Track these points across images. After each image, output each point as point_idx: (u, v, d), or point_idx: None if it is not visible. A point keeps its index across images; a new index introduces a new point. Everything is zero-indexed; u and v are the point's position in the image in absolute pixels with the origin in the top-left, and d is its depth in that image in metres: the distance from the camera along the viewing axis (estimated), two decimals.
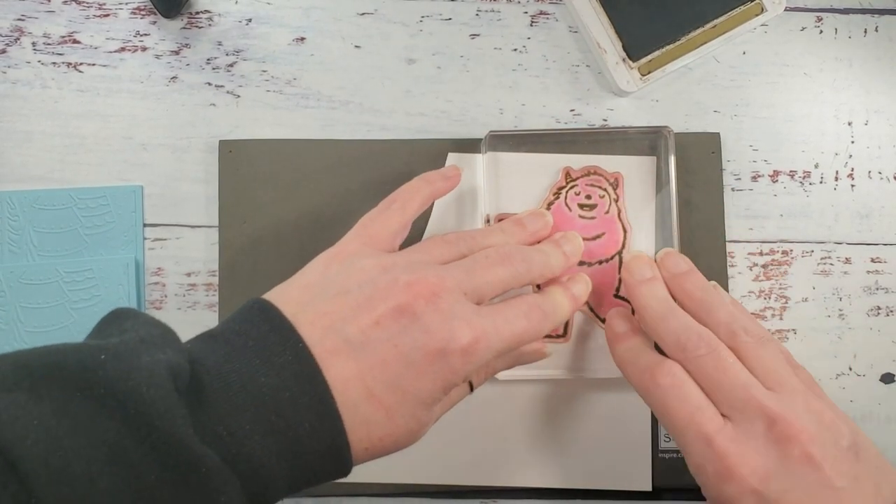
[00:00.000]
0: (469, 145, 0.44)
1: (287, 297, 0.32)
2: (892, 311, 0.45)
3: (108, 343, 0.27)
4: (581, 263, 0.43)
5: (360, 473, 0.42)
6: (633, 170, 0.44)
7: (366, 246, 0.34)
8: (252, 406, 0.28)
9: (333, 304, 0.31)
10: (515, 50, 0.46)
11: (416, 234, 0.42)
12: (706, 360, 0.33)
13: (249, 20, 0.45)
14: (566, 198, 0.43)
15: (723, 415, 0.32)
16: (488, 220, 0.42)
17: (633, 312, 0.41)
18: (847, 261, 0.45)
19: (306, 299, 0.31)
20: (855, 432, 0.32)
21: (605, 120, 0.45)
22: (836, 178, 0.45)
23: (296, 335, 0.29)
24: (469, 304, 0.32)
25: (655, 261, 0.38)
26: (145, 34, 0.45)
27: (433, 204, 0.43)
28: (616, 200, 0.43)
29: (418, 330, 0.30)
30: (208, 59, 0.45)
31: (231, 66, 0.45)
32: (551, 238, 0.39)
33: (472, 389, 0.36)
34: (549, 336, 0.42)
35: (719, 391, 0.33)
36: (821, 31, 0.46)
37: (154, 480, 0.25)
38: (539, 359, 0.40)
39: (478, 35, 0.46)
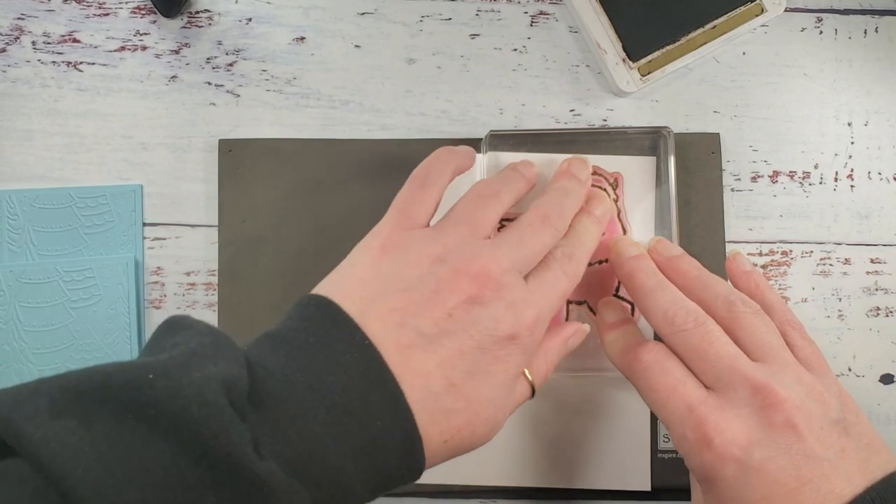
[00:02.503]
0: (469, 145, 0.44)
1: (344, 292, 0.31)
2: (891, 312, 0.45)
3: (156, 360, 0.25)
4: None
5: None
6: (633, 170, 0.44)
7: (407, 231, 0.33)
8: (322, 406, 0.27)
9: (400, 299, 0.30)
10: (515, 50, 0.46)
11: None
12: (693, 334, 0.33)
13: (249, 19, 0.45)
14: None
15: (707, 387, 0.32)
16: None
17: (632, 313, 0.41)
18: (846, 261, 0.45)
19: (368, 295, 0.31)
20: (846, 407, 0.32)
21: (605, 120, 0.45)
22: (836, 179, 0.45)
23: (360, 332, 0.29)
24: (523, 281, 0.33)
25: (648, 249, 0.38)
26: (145, 33, 0.45)
27: None
28: (616, 200, 0.43)
29: (488, 318, 0.30)
30: (208, 59, 0.45)
31: (231, 65, 0.45)
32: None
33: (532, 393, 0.35)
34: None
35: (704, 362, 0.32)
36: (821, 32, 0.46)
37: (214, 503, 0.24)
38: (582, 338, 0.39)
39: (478, 35, 0.46)
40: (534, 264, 0.34)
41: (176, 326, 0.28)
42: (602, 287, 0.43)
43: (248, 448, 0.25)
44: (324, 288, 0.32)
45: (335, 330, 0.29)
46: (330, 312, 0.30)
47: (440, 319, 0.30)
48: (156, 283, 0.44)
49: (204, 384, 0.25)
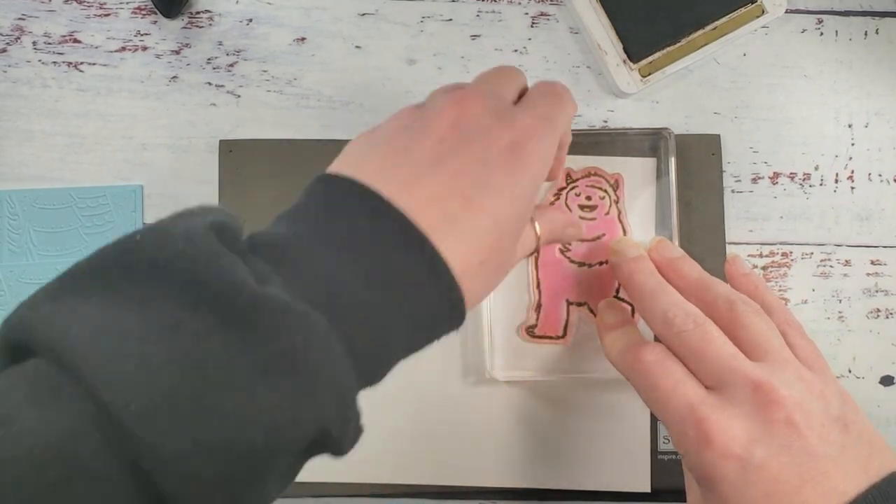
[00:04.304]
0: None
1: (332, 167, 0.30)
2: (891, 314, 0.45)
3: (142, 227, 0.25)
4: (581, 265, 0.43)
5: (360, 474, 0.42)
6: (634, 171, 0.44)
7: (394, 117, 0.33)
8: (333, 248, 0.26)
9: (388, 149, 0.30)
10: (516, 51, 0.46)
11: None
12: (691, 335, 0.33)
13: (250, 20, 0.45)
14: (566, 199, 0.43)
15: (708, 387, 0.32)
16: None
17: (632, 313, 0.41)
18: (847, 263, 0.45)
19: (355, 160, 0.30)
20: (846, 405, 0.32)
21: (606, 121, 0.45)
22: (836, 181, 0.45)
23: (356, 183, 0.28)
24: (508, 101, 0.32)
25: (649, 250, 0.38)
26: (146, 34, 0.45)
27: None
28: (616, 202, 0.43)
29: (480, 132, 0.29)
30: (209, 59, 0.45)
31: (231, 65, 0.45)
32: None
33: (538, 244, 0.34)
34: (548, 337, 0.43)
35: (704, 362, 0.32)
36: (821, 34, 0.46)
37: (218, 342, 0.22)
38: (577, 237, 0.39)
39: (479, 36, 0.46)
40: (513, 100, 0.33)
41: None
42: (602, 288, 0.43)
43: (246, 276, 0.23)
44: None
45: (333, 188, 0.28)
46: (321, 179, 0.29)
47: (433, 146, 0.29)
48: None
49: (189, 228, 0.24)
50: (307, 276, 0.25)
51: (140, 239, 0.24)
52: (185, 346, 0.22)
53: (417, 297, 0.27)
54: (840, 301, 0.45)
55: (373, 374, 0.27)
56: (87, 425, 0.21)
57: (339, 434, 0.25)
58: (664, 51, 0.44)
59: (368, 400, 0.27)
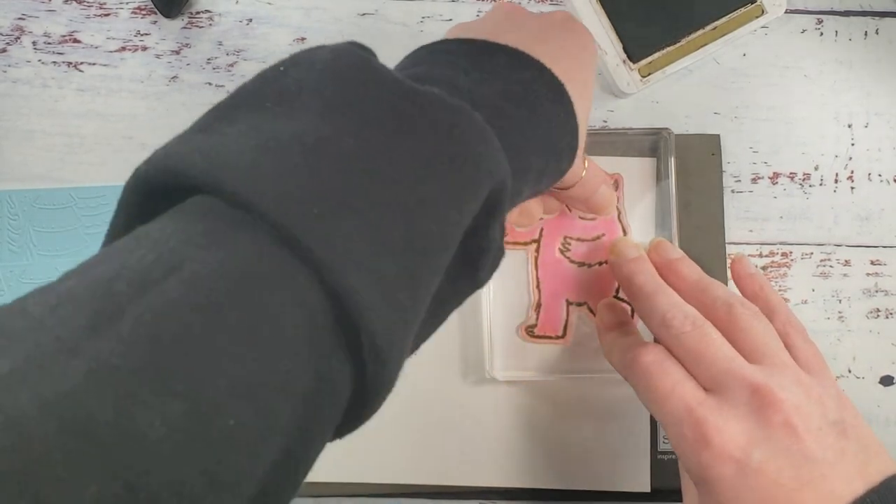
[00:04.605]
0: None
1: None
2: (891, 314, 0.45)
3: (281, 61, 0.25)
4: (581, 265, 0.43)
5: (360, 474, 0.42)
6: (633, 171, 0.44)
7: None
8: (487, 77, 0.27)
9: (504, 19, 0.33)
10: None
11: None
12: (690, 336, 0.33)
13: (250, 20, 0.45)
14: None
15: (706, 389, 0.32)
16: None
17: (631, 313, 0.41)
18: (847, 263, 0.45)
19: (479, 28, 0.33)
20: (844, 409, 0.32)
21: (606, 121, 0.45)
22: (836, 181, 0.45)
23: (499, 45, 0.30)
24: None
25: (648, 251, 0.39)
26: (146, 34, 0.45)
27: None
28: (616, 202, 0.43)
29: (544, 15, 0.34)
30: (209, 59, 0.45)
31: (232, 65, 0.45)
32: None
33: (578, 181, 0.36)
34: (548, 337, 0.43)
35: (701, 364, 0.32)
36: (821, 34, 0.46)
37: (381, 139, 0.22)
38: (608, 206, 0.40)
39: None
40: None
41: None
42: (602, 288, 0.43)
43: (397, 74, 0.24)
44: None
45: (470, 45, 0.30)
46: (448, 41, 0.30)
47: (537, 24, 0.33)
48: None
49: (336, 48, 0.24)
50: (445, 87, 0.26)
51: (284, 67, 0.24)
52: (359, 147, 0.22)
53: (539, 103, 0.28)
54: (840, 301, 0.45)
55: (517, 191, 0.28)
56: (267, 254, 0.20)
57: (496, 235, 0.26)
58: (664, 51, 0.44)
59: None
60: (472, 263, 0.26)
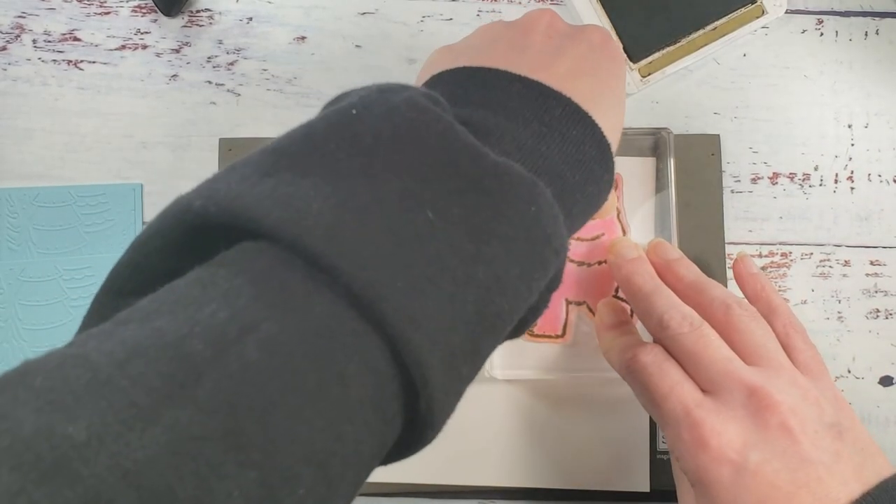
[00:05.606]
0: None
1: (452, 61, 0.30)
2: (891, 314, 0.45)
3: (349, 103, 0.24)
4: (580, 264, 0.43)
5: None
6: (633, 171, 0.44)
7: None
8: (532, 126, 0.26)
9: (503, 41, 0.31)
10: None
11: None
12: (688, 338, 0.33)
13: (250, 19, 0.45)
14: None
15: (704, 391, 0.32)
16: None
17: (631, 313, 0.41)
18: (846, 263, 0.45)
19: (468, 57, 0.30)
20: (841, 412, 0.32)
21: None
22: (836, 181, 0.45)
23: (502, 71, 0.28)
24: None
25: (646, 251, 0.39)
26: (146, 32, 0.45)
27: None
28: (616, 201, 0.43)
29: (575, 31, 0.32)
30: (209, 58, 0.45)
31: (232, 64, 0.45)
32: None
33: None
34: (547, 336, 0.43)
35: (699, 366, 0.32)
36: (821, 34, 0.46)
37: (458, 213, 0.22)
38: (608, 206, 0.38)
39: None
40: None
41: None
42: (601, 288, 0.43)
43: (479, 144, 0.23)
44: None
45: (485, 74, 0.28)
46: (453, 71, 0.29)
47: (545, 39, 0.31)
48: None
49: (410, 98, 0.23)
50: (510, 147, 0.25)
51: (357, 113, 0.23)
52: (441, 219, 0.21)
53: (589, 166, 0.28)
54: (839, 301, 0.45)
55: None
56: (344, 319, 0.20)
57: (548, 302, 0.26)
58: (664, 51, 0.44)
59: None
60: (522, 327, 0.26)
